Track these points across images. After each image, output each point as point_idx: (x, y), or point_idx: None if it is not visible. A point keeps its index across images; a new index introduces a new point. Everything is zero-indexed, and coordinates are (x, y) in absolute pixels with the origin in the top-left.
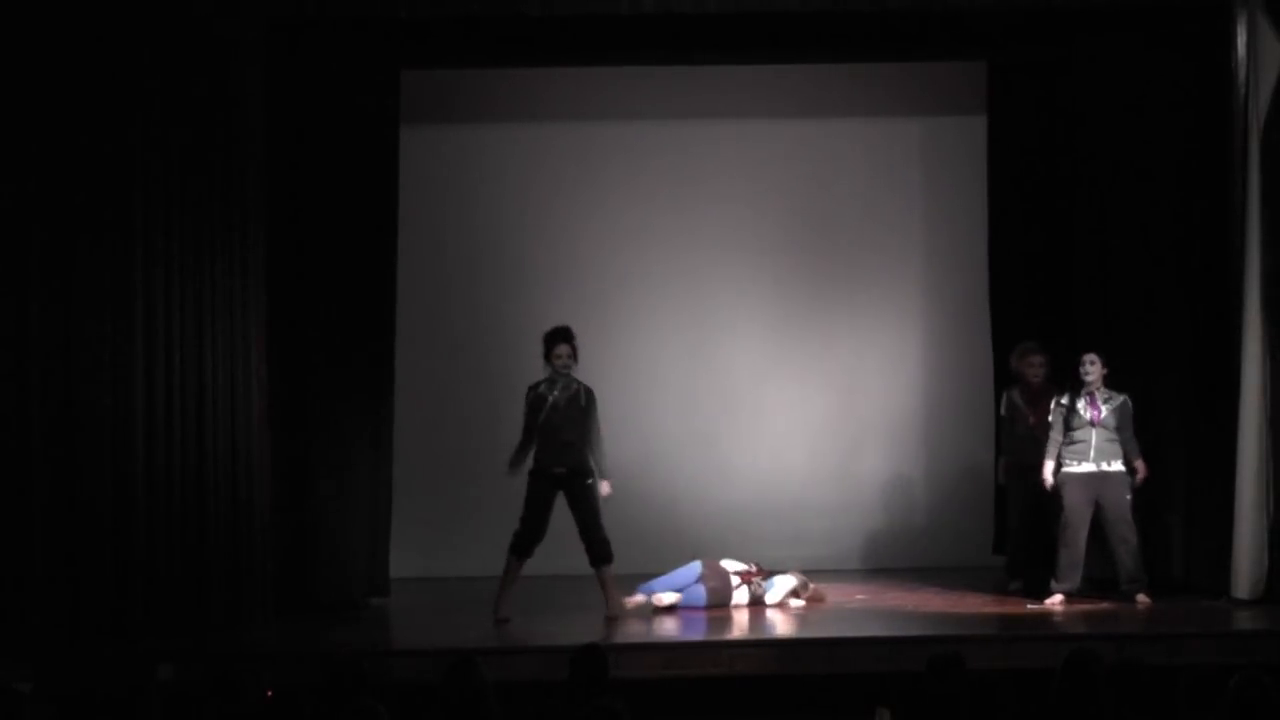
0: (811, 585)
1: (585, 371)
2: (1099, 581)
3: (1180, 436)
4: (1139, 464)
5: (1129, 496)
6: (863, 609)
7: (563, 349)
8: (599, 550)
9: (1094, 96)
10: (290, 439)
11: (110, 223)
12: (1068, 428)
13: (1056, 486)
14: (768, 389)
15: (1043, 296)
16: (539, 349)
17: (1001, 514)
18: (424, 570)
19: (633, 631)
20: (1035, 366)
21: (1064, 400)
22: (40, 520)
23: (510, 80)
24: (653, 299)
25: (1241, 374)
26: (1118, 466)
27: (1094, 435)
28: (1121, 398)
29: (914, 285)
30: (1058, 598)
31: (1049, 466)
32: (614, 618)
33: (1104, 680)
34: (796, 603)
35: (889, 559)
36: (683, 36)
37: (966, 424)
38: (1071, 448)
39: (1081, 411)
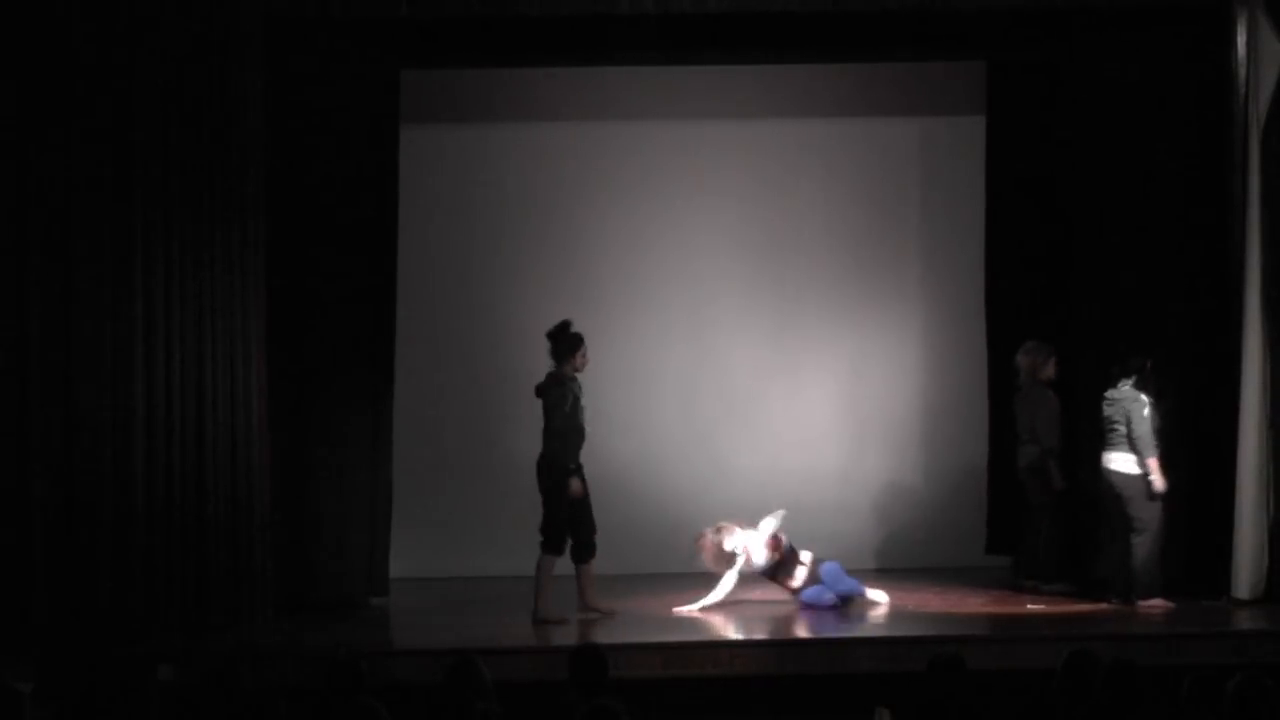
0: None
1: (586, 372)
2: (1098, 582)
3: (1180, 436)
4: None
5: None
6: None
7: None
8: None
9: (1094, 96)
10: (290, 439)
11: (110, 223)
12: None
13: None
14: (768, 389)
15: (1041, 297)
16: (539, 348)
17: (998, 514)
18: (424, 570)
19: (633, 631)
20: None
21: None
22: (40, 520)
23: (510, 80)
24: (652, 299)
25: (1241, 374)
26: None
27: None
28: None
29: (913, 285)
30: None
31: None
32: (583, 613)
33: (1103, 681)
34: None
35: (889, 559)
36: (683, 36)
37: (966, 424)
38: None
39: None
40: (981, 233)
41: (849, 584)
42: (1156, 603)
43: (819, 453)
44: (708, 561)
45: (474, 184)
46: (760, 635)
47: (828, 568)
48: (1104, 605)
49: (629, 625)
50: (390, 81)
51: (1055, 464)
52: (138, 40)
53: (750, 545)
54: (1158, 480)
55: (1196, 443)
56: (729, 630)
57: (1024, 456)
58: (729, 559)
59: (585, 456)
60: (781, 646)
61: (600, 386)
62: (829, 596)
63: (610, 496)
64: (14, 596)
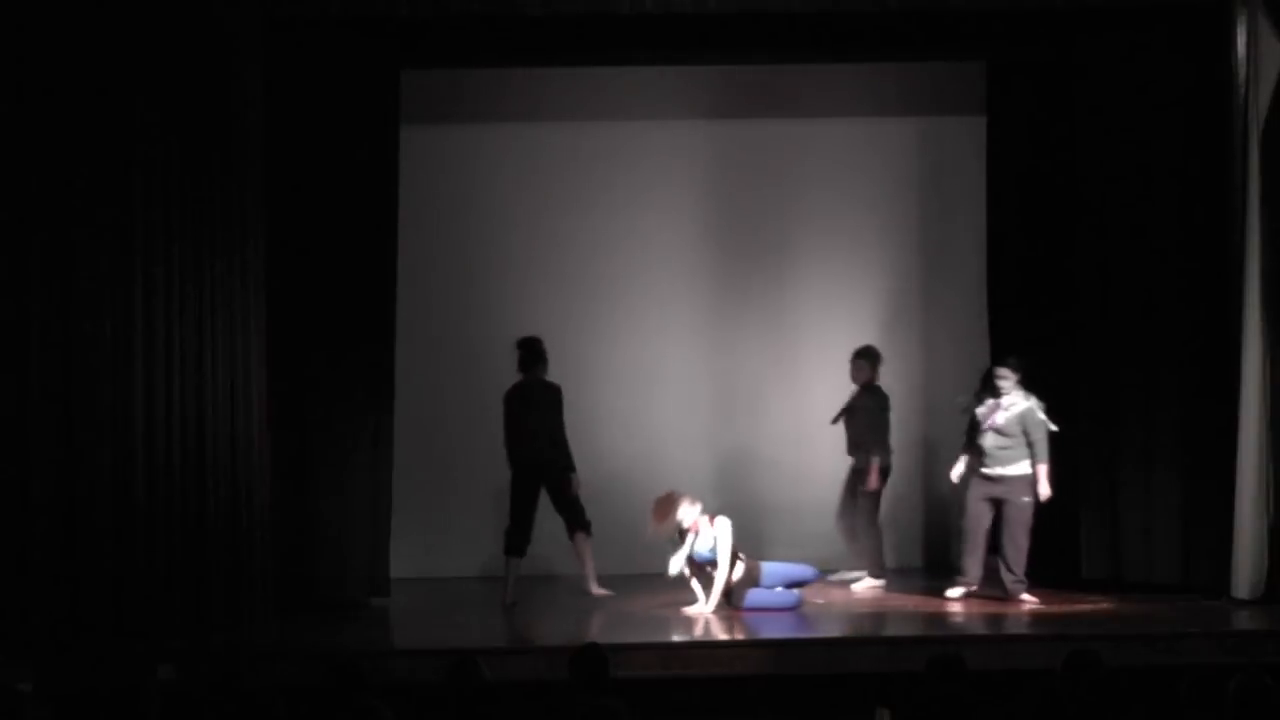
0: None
1: (586, 372)
2: (1089, 580)
3: (1180, 436)
4: (1038, 470)
5: (1026, 499)
6: (863, 609)
7: None
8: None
9: (1094, 96)
10: (290, 439)
11: (110, 223)
12: (976, 432)
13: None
14: (768, 389)
15: (1042, 297)
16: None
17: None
18: (424, 570)
19: (633, 631)
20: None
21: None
22: (40, 520)
23: (510, 80)
24: (652, 299)
25: (1241, 374)
26: (1017, 470)
27: (990, 439)
28: (1025, 405)
29: (913, 285)
30: (960, 590)
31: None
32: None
33: (1103, 680)
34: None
35: (889, 559)
36: (683, 36)
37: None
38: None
39: (982, 418)
40: (982, 233)
41: (793, 571)
42: (1027, 596)
43: (819, 453)
44: (664, 521)
45: (474, 184)
46: (760, 635)
47: (767, 568)
48: (1104, 604)
49: (629, 625)
50: (390, 81)
51: (879, 467)
52: (138, 40)
53: (700, 526)
54: (1043, 487)
55: (1196, 443)
56: (729, 630)
57: (858, 460)
58: (678, 529)
59: (587, 455)
60: (781, 646)
61: (601, 386)
62: (781, 594)
63: (611, 496)
64: (14, 596)
